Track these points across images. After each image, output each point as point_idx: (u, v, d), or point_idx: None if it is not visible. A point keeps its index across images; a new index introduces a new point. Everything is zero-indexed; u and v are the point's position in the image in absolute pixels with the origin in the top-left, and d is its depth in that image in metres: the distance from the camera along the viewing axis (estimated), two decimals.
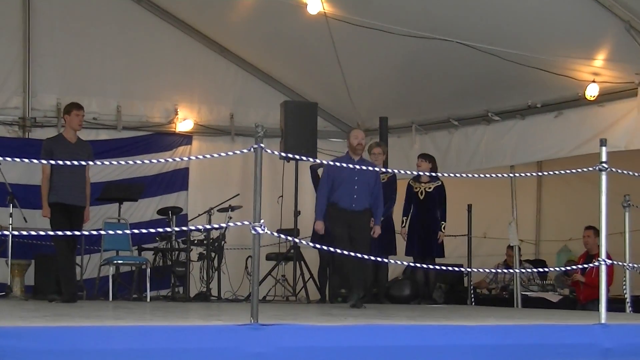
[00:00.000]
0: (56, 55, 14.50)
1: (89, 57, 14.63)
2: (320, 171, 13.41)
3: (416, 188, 13.05)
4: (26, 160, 7.73)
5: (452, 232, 13.80)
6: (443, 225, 12.90)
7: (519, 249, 13.58)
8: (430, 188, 13.00)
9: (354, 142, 11.11)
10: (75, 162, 8.30)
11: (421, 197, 13.01)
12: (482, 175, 8.56)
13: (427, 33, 12.24)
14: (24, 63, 14.34)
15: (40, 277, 13.07)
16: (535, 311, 11.34)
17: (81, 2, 14.63)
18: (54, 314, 8.03)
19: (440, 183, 13.01)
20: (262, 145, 6.45)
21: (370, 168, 10.59)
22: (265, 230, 6.35)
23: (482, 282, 14.87)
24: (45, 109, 14.44)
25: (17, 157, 6.98)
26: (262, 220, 6.33)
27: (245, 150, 6.79)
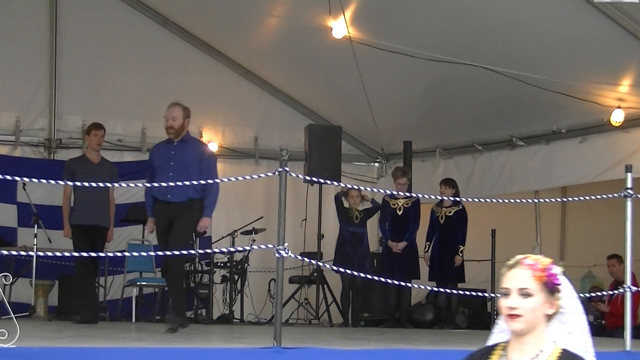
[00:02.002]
0: (82, 77, 14.58)
1: (114, 79, 14.71)
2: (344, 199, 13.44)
3: (437, 213, 13.06)
4: (52, 181, 7.79)
5: (475, 257, 13.76)
6: (460, 249, 12.88)
7: None
8: (450, 212, 12.99)
9: (165, 122, 9.93)
10: (94, 184, 8.33)
11: (441, 222, 13.01)
12: (506, 200, 8.54)
13: (451, 57, 12.24)
14: (50, 85, 14.42)
15: (64, 297, 13.08)
16: None
17: (107, 25, 14.71)
18: (77, 334, 8.06)
19: (461, 207, 13.00)
20: (286, 168, 6.46)
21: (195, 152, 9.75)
22: (289, 254, 6.36)
23: None
24: (70, 131, 14.50)
25: (42, 178, 7.02)
26: (286, 244, 6.34)
27: (270, 174, 6.81)
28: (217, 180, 9.64)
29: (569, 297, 3.80)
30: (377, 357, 6.40)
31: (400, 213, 13.04)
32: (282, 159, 6.48)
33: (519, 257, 3.72)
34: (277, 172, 6.48)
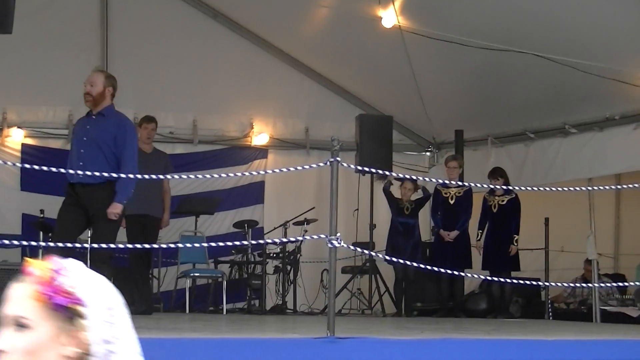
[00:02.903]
0: (133, 71, 14.65)
1: (165, 72, 14.78)
2: (392, 189, 13.43)
3: (490, 201, 12.99)
4: (105, 174, 7.85)
5: (529, 246, 13.69)
6: (515, 239, 12.81)
7: (597, 262, 13.40)
8: (503, 201, 12.92)
9: (84, 88, 9.14)
10: (147, 177, 8.38)
11: (494, 210, 12.95)
12: (559, 189, 8.47)
13: (502, 45, 12.16)
14: None
15: (118, 289, 13.10)
16: (614, 326, 11.18)
17: (157, 18, 14.79)
18: (135, 325, 8.11)
19: (514, 196, 12.92)
20: (338, 159, 6.46)
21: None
22: (342, 244, 6.35)
23: (560, 297, 14.70)
24: None
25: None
26: (338, 234, 6.33)
27: (321, 164, 6.81)
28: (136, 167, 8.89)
29: (110, 323, 2.30)
30: (431, 346, 6.38)
31: (452, 202, 13.01)
32: (333, 149, 6.47)
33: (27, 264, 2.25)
34: (328, 163, 6.47)
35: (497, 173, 12.98)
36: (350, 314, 13.67)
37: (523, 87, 13.31)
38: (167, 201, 11.72)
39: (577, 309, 14.18)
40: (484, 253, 12.93)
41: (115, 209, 8.61)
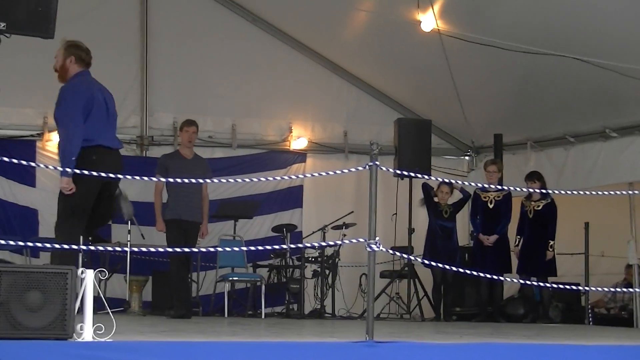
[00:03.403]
0: (172, 75, 14.76)
1: (204, 76, 14.85)
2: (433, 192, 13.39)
3: (527, 206, 12.93)
4: (145, 178, 7.89)
5: (569, 250, 13.61)
6: (550, 244, 12.73)
7: (639, 267, 13.29)
8: (539, 206, 12.85)
9: None
10: (187, 180, 8.40)
11: (530, 216, 12.88)
12: (599, 193, 8.41)
13: (542, 49, 12.10)
14: (142, 83, 14.62)
15: (158, 292, 13.27)
16: None
17: (196, 22, 14.86)
18: (171, 329, 8.16)
19: (550, 200, 12.85)
20: (377, 162, 6.45)
21: None
22: (381, 248, 6.34)
23: (600, 302, 14.60)
24: (162, 128, 14.68)
25: (135, 175, 7.11)
26: (377, 238, 6.32)
27: (360, 168, 6.79)
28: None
29: None
30: (470, 351, 6.35)
31: (491, 206, 12.96)
32: (372, 153, 6.46)
33: None
34: (367, 167, 6.46)
35: (534, 176, 12.91)
36: (389, 318, 13.64)
37: (563, 91, 13.24)
38: (206, 207, 11.77)
39: (618, 315, 14.09)
40: (520, 257, 12.87)
41: (60, 183, 8.23)
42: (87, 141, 8.12)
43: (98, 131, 8.20)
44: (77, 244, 8.21)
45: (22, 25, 7.23)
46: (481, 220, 13.04)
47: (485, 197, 13.03)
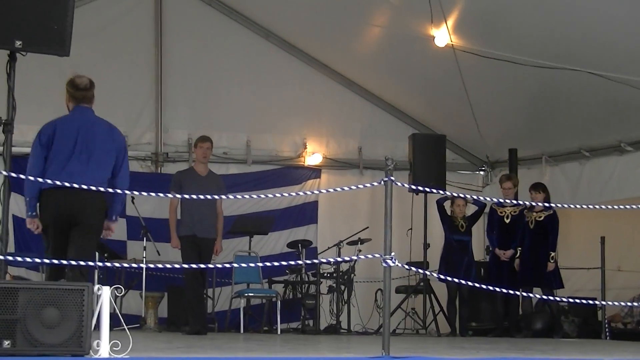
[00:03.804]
0: (187, 92, 14.80)
1: (219, 92, 14.89)
2: (446, 204, 13.37)
3: (528, 217, 12.88)
4: (160, 194, 7.91)
5: (585, 265, 13.56)
6: (552, 255, 12.67)
7: None
8: (541, 217, 12.79)
9: None
10: (202, 197, 8.36)
11: (531, 226, 12.82)
12: (615, 207, 8.38)
13: (557, 63, 12.09)
14: (156, 100, 14.67)
15: (173, 309, 13.27)
16: None
17: (210, 39, 14.91)
18: (187, 345, 8.16)
19: (552, 212, 12.78)
20: (392, 178, 6.45)
21: None
22: (396, 263, 6.33)
23: (617, 316, 14.52)
24: (177, 144, 14.71)
25: (150, 192, 7.11)
26: (392, 253, 6.32)
27: (375, 184, 6.80)
28: None
29: None
30: None
31: (507, 221, 12.93)
32: (387, 168, 6.47)
33: None
34: (382, 182, 6.47)
35: (539, 187, 12.85)
36: (405, 333, 13.61)
37: (578, 105, 13.21)
38: (220, 226, 11.77)
39: (635, 329, 14.00)
40: (520, 269, 12.83)
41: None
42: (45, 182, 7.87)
43: (53, 171, 7.89)
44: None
45: (37, 43, 7.24)
46: (498, 235, 13.02)
47: (501, 212, 13.01)
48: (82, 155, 7.99)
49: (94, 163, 8.01)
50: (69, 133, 8.02)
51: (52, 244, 7.97)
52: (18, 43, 7.09)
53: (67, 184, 7.14)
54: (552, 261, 12.65)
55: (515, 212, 12.90)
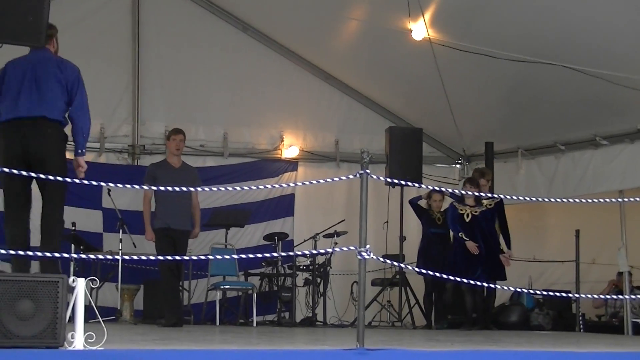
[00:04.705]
0: (164, 84, 14.78)
1: (196, 85, 14.88)
2: (422, 202, 13.40)
3: (461, 210, 12.77)
4: (136, 186, 7.89)
5: (560, 258, 13.63)
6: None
7: (630, 274, 13.32)
8: (476, 212, 12.70)
9: None
10: (177, 189, 8.35)
11: (467, 220, 12.72)
12: (590, 200, 8.43)
13: (532, 57, 12.14)
14: (134, 92, 14.64)
15: (149, 301, 13.27)
16: None
17: (188, 31, 14.89)
18: (163, 337, 8.15)
19: (485, 207, 12.69)
20: (367, 171, 6.46)
21: None
22: (371, 256, 6.35)
23: (591, 308, 14.64)
24: (153, 137, 14.68)
25: (126, 184, 7.11)
26: (367, 246, 6.33)
27: (351, 176, 6.81)
28: None
29: None
30: (461, 358, 6.37)
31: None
32: (363, 161, 6.48)
33: None
34: (358, 175, 6.48)
35: (474, 181, 12.77)
36: (380, 326, 13.66)
37: (553, 99, 13.27)
38: (197, 215, 11.79)
39: (609, 322, 14.12)
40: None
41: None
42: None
43: (7, 107, 8.01)
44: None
45: (12, 34, 7.24)
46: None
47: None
48: (32, 91, 8.00)
49: (43, 98, 8.03)
50: (18, 71, 8.10)
51: (5, 186, 7.97)
52: None
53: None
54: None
55: (490, 205, 12.83)
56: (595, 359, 6.83)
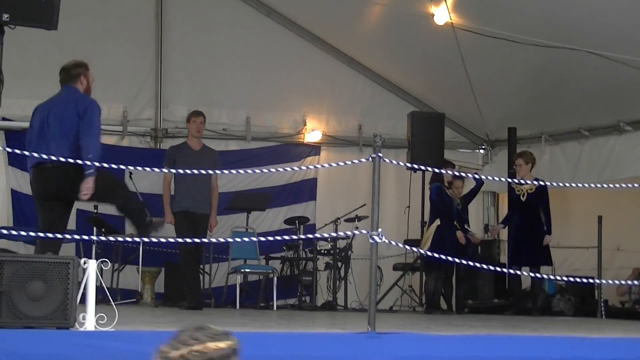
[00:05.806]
0: (187, 68, 14.79)
1: (219, 69, 14.87)
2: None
3: (518, 191, 12.71)
4: (156, 169, 7.92)
5: (582, 244, 13.56)
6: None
7: None
8: (531, 190, 12.64)
9: None
10: (196, 172, 8.38)
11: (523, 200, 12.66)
12: (613, 186, 8.36)
13: (556, 42, 12.06)
14: (156, 76, 14.65)
15: (170, 284, 13.29)
16: None
17: (211, 15, 14.88)
18: (179, 319, 8.19)
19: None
20: (380, 154, 6.45)
21: None
22: (383, 239, 6.34)
23: (615, 295, 14.53)
24: (176, 120, 14.68)
25: (148, 167, 7.13)
26: (379, 230, 6.32)
27: (363, 160, 6.80)
28: None
29: None
30: (470, 342, 6.34)
31: (523, 199, 12.70)
32: (375, 145, 6.48)
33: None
34: (370, 158, 6.47)
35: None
36: (401, 311, 13.64)
37: (577, 85, 13.19)
38: (215, 199, 11.72)
39: (632, 308, 14.03)
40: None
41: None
42: None
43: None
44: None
45: (25, 16, 7.29)
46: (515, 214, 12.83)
47: (518, 191, 12.80)
48: (47, 133, 8.27)
49: (52, 139, 8.30)
50: (39, 115, 8.48)
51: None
52: (5, 16, 7.12)
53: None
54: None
55: (531, 190, 12.69)
56: (612, 344, 6.78)
